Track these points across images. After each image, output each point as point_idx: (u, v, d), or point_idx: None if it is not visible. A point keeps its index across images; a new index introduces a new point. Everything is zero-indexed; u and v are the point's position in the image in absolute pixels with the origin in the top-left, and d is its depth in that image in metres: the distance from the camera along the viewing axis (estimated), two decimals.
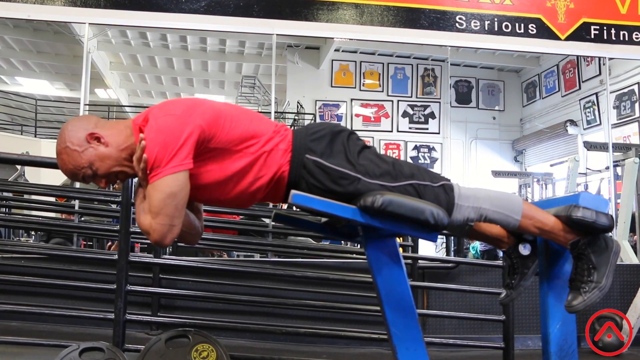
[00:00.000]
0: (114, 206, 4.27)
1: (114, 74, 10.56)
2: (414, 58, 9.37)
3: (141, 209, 1.44)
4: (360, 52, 9.26)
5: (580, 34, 4.82)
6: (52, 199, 4.94)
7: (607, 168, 5.31)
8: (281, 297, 3.30)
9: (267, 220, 4.04)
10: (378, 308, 1.60)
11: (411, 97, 9.44)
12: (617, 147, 4.91)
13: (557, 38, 4.80)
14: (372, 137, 9.09)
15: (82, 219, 4.59)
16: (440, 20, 4.69)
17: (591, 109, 8.22)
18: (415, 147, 9.33)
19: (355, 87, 9.35)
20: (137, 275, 3.16)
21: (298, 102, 9.06)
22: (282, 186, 1.52)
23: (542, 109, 9.44)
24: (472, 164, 9.49)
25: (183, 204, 1.41)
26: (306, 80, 9.16)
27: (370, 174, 1.47)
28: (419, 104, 9.42)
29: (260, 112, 9.05)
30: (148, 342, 2.02)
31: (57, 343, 2.26)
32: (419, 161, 9.15)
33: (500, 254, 4.73)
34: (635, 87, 7.45)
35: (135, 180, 1.50)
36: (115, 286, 2.22)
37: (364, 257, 1.57)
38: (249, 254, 4.89)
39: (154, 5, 4.47)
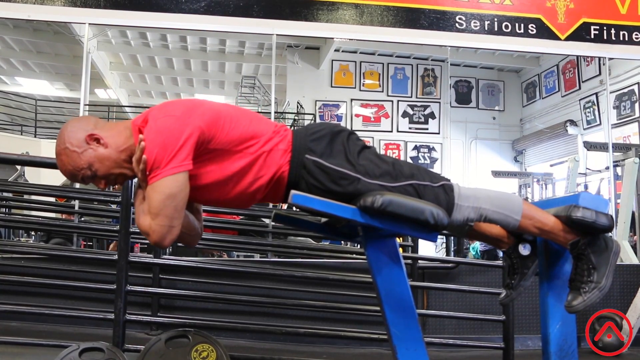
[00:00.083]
0: (113, 206, 4.27)
1: (114, 74, 10.56)
2: (413, 58, 9.38)
3: (140, 210, 1.44)
4: (360, 52, 9.26)
5: (580, 34, 4.83)
6: (52, 199, 4.94)
7: (607, 168, 5.31)
8: (281, 297, 3.30)
9: (267, 221, 4.04)
10: (378, 308, 1.60)
11: (411, 97, 9.44)
12: (617, 147, 4.91)
13: (557, 38, 4.80)
14: (372, 137, 9.09)
15: (82, 219, 4.60)
16: (440, 21, 4.69)
17: (591, 109, 8.22)
18: (415, 147, 9.33)
19: (355, 87, 9.35)
20: (137, 275, 3.16)
21: (298, 103, 9.06)
22: (281, 186, 1.52)
23: (542, 109, 9.44)
24: (472, 164, 9.48)
25: (182, 205, 1.41)
26: (306, 80, 9.16)
27: (370, 174, 1.47)
28: (418, 104, 9.42)
29: (260, 112, 9.07)
30: (148, 343, 2.02)
31: (57, 343, 2.26)
32: (419, 161, 9.15)
33: (500, 254, 4.73)
34: (635, 87, 7.45)
35: (135, 180, 1.50)
36: (115, 286, 2.22)
37: (364, 257, 1.57)
38: (248, 254, 4.89)
39: (154, 6, 4.47)
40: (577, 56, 7.99)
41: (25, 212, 4.90)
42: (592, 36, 4.84)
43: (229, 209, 3.72)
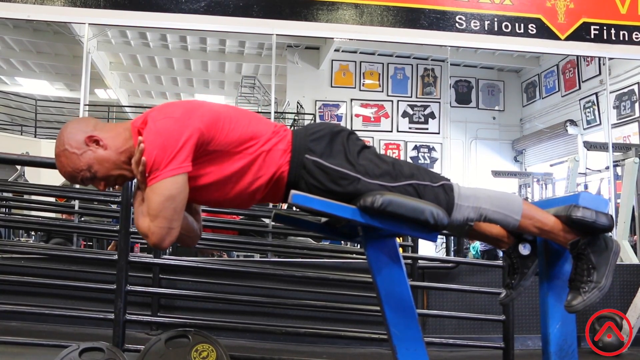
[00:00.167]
0: (113, 206, 4.27)
1: (114, 74, 10.56)
2: (413, 58, 9.37)
3: (140, 212, 1.44)
4: (360, 52, 9.26)
5: (580, 34, 4.83)
6: (52, 199, 4.94)
7: (607, 168, 5.31)
8: (281, 297, 3.30)
9: (267, 221, 4.04)
10: (378, 308, 1.60)
11: (411, 97, 9.44)
12: (617, 147, 4.91)
13: (557, 38, 4.80)
14: (372, 137, 9.09)
15: (82, 219, 4.60)
16: (440, 21, 4.69)
17: (591, 109, 8.22)
18: (415, 147, 9.33)
19: (355, 87, 9.35)
20: (137, 275, 3.16)
21: (298, 102, 9.06)
22: (281, 186, 1.52)
23: (542, 109, 9.44)
24: (472, 164, 9.48)
25: (182, 207, 1.41)
26: (306, 80, 9.16)
27: (370, 174, 1.47)
28: (418, 104, 9.42)
29: (260, 112, 9.08)
30: (148, 342, 2.02)
31: (57, 343, 2.26)
32: (419, 161, 9.15)
33: (500, 254, 4.73)
34: (635, 87, 7.45)
35: (135, 181, 1.50)
36: (115, 286, 2.22)
37: (364, 257, 1.57)
38: (248, 254, 4.89)
39: (154, 6, 4.47)
40: (577, 56, 7.98)
41: (25, 212, 4.90)
42: (592, 36, 4.84)
43: (229, 209, 3.72)
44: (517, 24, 4.77)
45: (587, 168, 7.05)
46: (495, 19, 4.76)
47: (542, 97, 9.43)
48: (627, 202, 4.35)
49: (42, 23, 7.81)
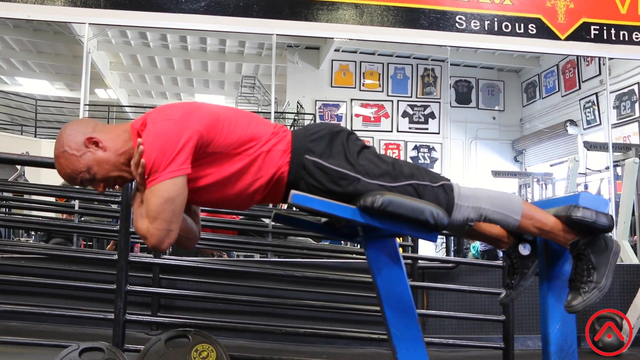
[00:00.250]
0: (114, 206, 4.27)
1: (114, 74, 10.56)
2: (413, 58, 9.37)
3: (139, 214, 1.44)
4: (360, 52, 9.26)
5: (580, 34, 4.82)
6: (52, 199, 4.94)
7: (607, 168, 5.31)
8: (281, 297, 3.30)
9: (266, 221, 4.04)
10: (378, 308, 1.60)
11: (411, 97, 9.43)
12: (617, 147, 4.91)
13: (557, 38, 4.80)
14: (372, 137, 9.09)
15: (82, 219, 4.60)
16: (440, 21, 4.69)
17: (591, 109, 8.22)
18: (415, 147, 9.33)
19: (355, 87, 9.35)
20: (137, 275, 3.16)
21: (298, 102, 9.06)
22: (281, 187, 1.52)
23: (542, 109, 9.44)
24: (472, 164, 9.48)
25: (181, 209, 1.41)
26: (306, 80, 9.16)
27: (370, 174, 1.47)
28: (418, 104, 9.42)
29: (260, 112, 9.08)
30: (148, 342, 2.02)
31: (57, 343, 2.26)
32: (419, 161, 9.15)
33: (500, 254, 4.73)
34: (635, 87, 7.44)
35: (134, 182, 1.50)
36: (115, 286, 2.22)
37: (364, 257, 1.57)
38: (248, 254, 4.89)
39: (154, 6, 4.47)
40: (577, 56, 7.98)
41: (25, 212, 4.90)
42: (592, 36, 4.83)
43: (229, 211, 3.72)
44: (517, 24, 4.77)
45: (587, 168, 7.05)
46: (495, 19, 4.76)
47: (542, 97, 9.42)
48: (627, 202, 4.35)
49: (43, 23, 7.80)
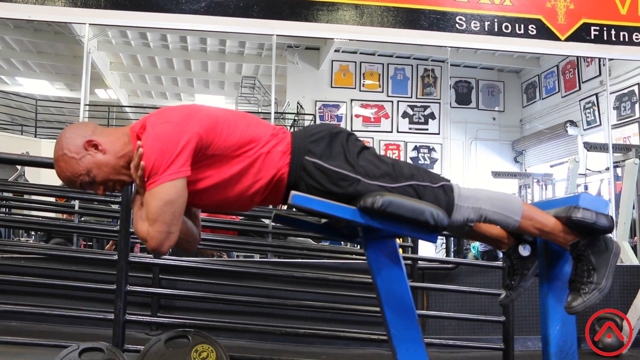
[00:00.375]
0: (114, 207, 4.27)
1: (114, 74, 10.56)
2: (413, 59, 9.37)
3: (139, 216, 1.44)
4: (360, 53, 9.26)
5: (580, 35, 4.83)
6: (52, 199, 4.94)
7: (607, 169, 5.31)
8: (281, 298, 3.30)
9: (266, 221, 4.04)
10: (378, 309, 1.60)
11: (411, 97, 9.43)
12: (617, 147, 4.91)
13: (557, 39, 4.80)
14: (372, 138, 9.09)
15: (82, 219, 4.60)
16: (440, 21, 4.69)
17: (591, 109, 8.22)
18: (415, 148, 9.33)
19: (355, 88, 9.35)
20: (137, 275, 3.16)
21: (298, 103, 9.06)
22: (281, 188, 1.52)
23: (542, 109, 9.44)
24: (472, 164, 9.48)
25: (180, 212, 1.41)
26: (306, 80, 9.16)
27: (370, 175, 1.47)
28: (418, 104, 9.41)
29: (260, 112, 9.08)
30: (148, 343, 2.02)
31: (57, 343, 2.26)
32: (419, 162, 9.15)
33: (500, 254, 4.73)
34: (636, 88, 7.44)
35: (134, 185, 1.50)
36: (115, 286, 2.22)
37: (364, 257, 1.57)
38: (248, 254, 4.89)
39: (154, 6, 4.47)
40: (577, 57, 7.98)
41: (25, 212, 4.90)
42: (592, 37, 4.84)
43: (229, 212, 3.72)
44: (517, 25, 4.77)
45: (587, 169, 7.05)
46: (496, 20, 4.76)
47: (542, 97, 9.42)
48: (627, 203, 4.35)
49: (43, 23, 7.80)
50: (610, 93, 7.15)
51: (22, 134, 10.11)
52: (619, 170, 4.89)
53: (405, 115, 9.42)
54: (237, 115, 1.55)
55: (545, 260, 1.72)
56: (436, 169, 8.95)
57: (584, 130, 8.41)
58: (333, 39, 7.11)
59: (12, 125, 10.92)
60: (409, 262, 3.44)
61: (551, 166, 8.57)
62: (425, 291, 3.65)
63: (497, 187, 3.47)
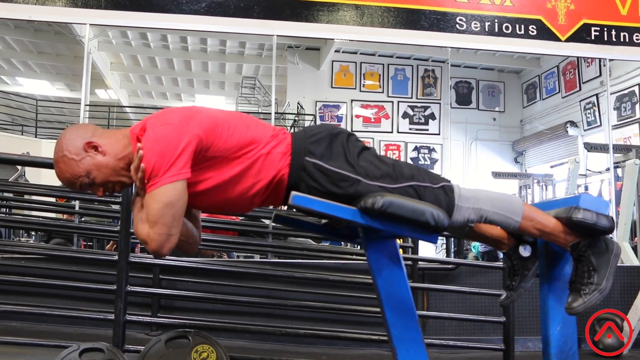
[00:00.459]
0: (114, 207, 4.27)
1: (115, 75, 10.56)
2: (414, 59, 9.37)
3: (139, 218, 1.44)
4: (360, 53, 9.26)
5: (581, 35, 4.83)
6: (53, 200, 4.94)
7: (608, 169, 5.31)
8: (281, 298, 3.30)
9: (267, 221, 4.04)
10: (378, 309, 1.60)
11: (411, 98, 9.43)
12: (618, 148, 4.90)
13: (557, 39, 4.80)
14: (372, 138, 9.09)
15: (83, 219, 4.60)
16: (441, 22, 4.69)
17: (591, 110, 8.21)
18: (416, 148, 9.33)
19: (355, 88, 9.35)
20: (137, 275, 3.16)
21: (298, 103, 9.06)
22: (281, 189, 1.51)
23: (542, 110, 9.43)
24: (473, 165, 9.48)
25: (181, 214, 1.41)
26: (306, 81, 9.16)
27: (370, 175, 1.47)
28: (419, 105, 9.41)
29: (261, 112, 9.08)
30: (148, 343, 2.02)
31: (57, 343, 2.26)
32: (419, 162, 9.14)
33: (501, 255, 4.73)
34: (636, 89, 7.44)
35: (134, 187, 1.50)
36: (115, 287, 2.22)
37: (364, 258, 1.57)
38: (248, 254, 4.89)
39: (155, 6, 4.47)
40: (578, 57, 7.98)
41: (26, 212, 4.90)
42: (593, 37, 4.84)
43: (229, 214, 3.72)
44: (517, 25, 4.77)
45: (587, 169, 7.05)
46: (496, 20, 4.76)
47: (542, 98, 9.42)
48: (628, 204, 4.35)
49: (43, 23, 7.80)
50: (611, 93, 7.15)
51: (22, 134, 10.11)
52: (619, 170, 4.89)
53: (405, 115, 9.42)
54: (237, 117, 1.55)
55: (545, 260, 1.71)
56: (436, 170, 8.94)
57: (585, 130, 8.41)
58: (333, 39, 7.11)
59: (13, 125, 10.93)
60: (409, 262, 3.44)
61: (551, 167, 8.57)
62: (425, 292, 3.65)
63: (497, 188, 3.47)
